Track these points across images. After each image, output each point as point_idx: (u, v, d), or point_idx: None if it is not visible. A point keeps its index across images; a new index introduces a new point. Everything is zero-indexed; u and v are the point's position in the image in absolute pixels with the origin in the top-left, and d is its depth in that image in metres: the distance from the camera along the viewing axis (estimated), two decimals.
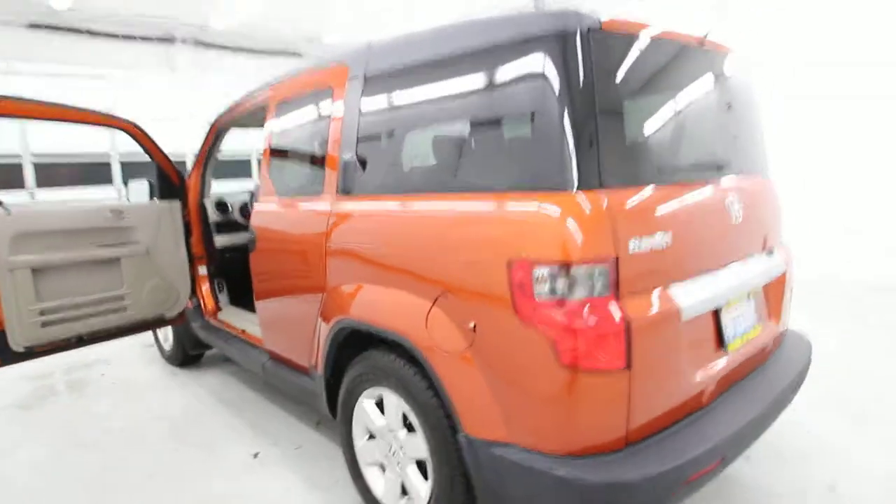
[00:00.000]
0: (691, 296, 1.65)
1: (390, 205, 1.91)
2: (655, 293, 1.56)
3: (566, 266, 1.43)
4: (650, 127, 1.73)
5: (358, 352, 2.12)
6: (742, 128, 2.11)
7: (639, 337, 1.48)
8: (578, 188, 1.46)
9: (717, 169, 1.93)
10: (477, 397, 1.62)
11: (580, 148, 1.47)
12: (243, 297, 3.89)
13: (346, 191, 2.12)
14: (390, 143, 2.03)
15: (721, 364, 1.80)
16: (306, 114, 2.46)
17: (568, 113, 1.48)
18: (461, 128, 1.79)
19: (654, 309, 1.53)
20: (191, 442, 2.89)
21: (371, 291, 1.95)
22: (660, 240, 1.57)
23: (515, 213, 1.53)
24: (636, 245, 1.51)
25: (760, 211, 2.09)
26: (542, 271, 1.45)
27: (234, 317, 3.52)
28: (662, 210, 1.61)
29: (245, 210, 3.94)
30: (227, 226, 3.89)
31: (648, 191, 1.59)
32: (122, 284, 3.06)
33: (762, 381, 1.94)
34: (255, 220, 2.67)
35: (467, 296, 1.61)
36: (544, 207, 1.47)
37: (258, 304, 2.75)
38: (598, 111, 1.49)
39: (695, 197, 1.75)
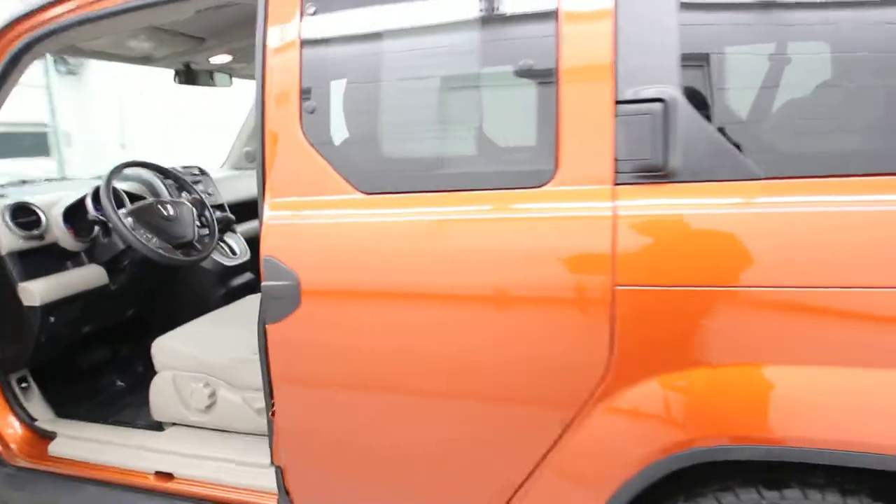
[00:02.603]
0: None
1: None
2: None
3: None
4: None
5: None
6: None
7: None
8: None
9: None
10: None
11: None
12: (92, 398, 2.16)
13: (671, 173, 0.97)
14: None
15: None
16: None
17: None
18: None
19: None
20: None
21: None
22: None
23: None
24: None
25: None
26: None
27: (100, 448, 1.74)
28: None
29: (74, 218, 1.90)
30: (43, 257, 1.82)
31: None
32: None
33: None
34: (284, 249, 1.16)
35: None
36: None
37: (286, 423, 1.26)
38: None
39: None
